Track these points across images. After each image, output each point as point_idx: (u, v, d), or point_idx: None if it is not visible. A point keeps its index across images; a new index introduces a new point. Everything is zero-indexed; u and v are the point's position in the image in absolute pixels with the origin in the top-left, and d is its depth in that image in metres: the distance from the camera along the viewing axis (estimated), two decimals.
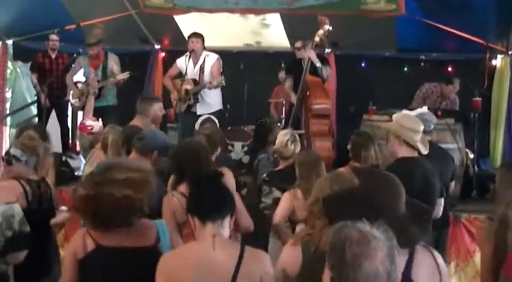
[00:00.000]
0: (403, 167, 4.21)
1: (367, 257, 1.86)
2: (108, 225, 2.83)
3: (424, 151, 4.38)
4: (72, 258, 2.86)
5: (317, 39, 7.30)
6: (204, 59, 7.51)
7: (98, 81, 7.91)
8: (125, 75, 7.73)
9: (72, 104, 8.31)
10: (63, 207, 4.45)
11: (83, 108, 8.13)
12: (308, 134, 7.14)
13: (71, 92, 8.13)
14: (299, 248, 2.67)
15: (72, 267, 2.86)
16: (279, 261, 2.73)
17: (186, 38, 7.76)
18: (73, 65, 8.27)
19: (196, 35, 7.60)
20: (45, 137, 4.97)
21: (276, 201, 4.66)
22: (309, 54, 7.29)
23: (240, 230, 3.87)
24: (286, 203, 4.45)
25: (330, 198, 2.61)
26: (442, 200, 4.56)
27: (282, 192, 4.67)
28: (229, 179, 3.74)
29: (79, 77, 8.38)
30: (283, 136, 5.26)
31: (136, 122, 5.55)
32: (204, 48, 7.61)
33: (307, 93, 7.29)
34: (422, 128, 4.43)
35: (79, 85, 8.08)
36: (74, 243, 2.91)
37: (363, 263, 1.85)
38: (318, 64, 7.34)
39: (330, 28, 7.24)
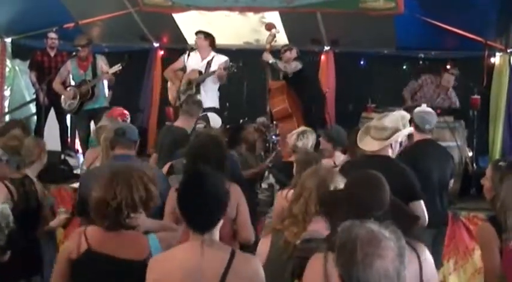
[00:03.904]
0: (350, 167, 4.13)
1: (379, 256, 1.86)
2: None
3: (366, 148, 4.19)
4: (65, 256, 2.87)
5: (267, 46, 7.73)
6: (213, 57, 7.62)
7: (89, 80, 7.88)
8: (117, 68, 7.71)
9: (65, 109, 8.22)
10: (62, 209, 4.43)
11: (76, 112, 8.08)
12: (281, 134, 7.49)
13: (62, 97, 8.04)
14: (269, 239, 2.93)
15: (64, 265, 2.87)
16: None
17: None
18: (60, 71, 8.15)
19: (200, 32, 7.77)
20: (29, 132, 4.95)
21: (271, 186, 4.97)
22: (264, 58, 7.68)
23: (240, 241, 3.83)
24: (278, 203, 4.44)
25: (326, 197, 2.68)
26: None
27: (275, 180, 4.90)
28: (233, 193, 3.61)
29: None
30: (295, 130, 5.54)
31: None
32: (214, 47, 7.74)
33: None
34: (387, 125, 4.16)
35: (69, 88, 8.04)
36: (70, 242, 2.92)
37: (374, 262, 1.86)
38: (270, 60, 7.65)
39: (277, 32, 7.76)
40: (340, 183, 2.88)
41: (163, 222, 3.42)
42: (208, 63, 7.56)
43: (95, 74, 7.93)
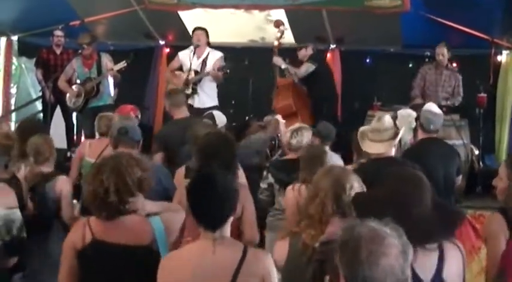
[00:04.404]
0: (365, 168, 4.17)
1: (383, 254, 1.84)
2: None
3: (371, 151, 4.23)
4: (71, 248, 2.88)
5: (276, 43, 7.78)
6: (208, 54, 7.55)
7: (94, 78, 7.86)
8: (122, 65, 7.68)
9: (70, 107, 8.23)
10: (74, 200, 4.51)
11: (80, 111, 8.08)
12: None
13: (67, 95, 8.05)
14: (287, 242, 2.86)
15: (70, 256, 2.88)
16: (273, 254, 2.85)
17: (191, 33, 7.77)
18: (65, 69, 8.14)
19: (200, 28, 7.69)
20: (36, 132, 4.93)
21: (270, 185, 4.96)
22: (275, 62, 7.74)
23: (244, 241, 3.82)
24: (289, 198, 4.42)
25: (360, 198, 2.66)
26: None
27: (274, 180, 4.91)
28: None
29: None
30: (290, 127, 5.47)
31: None
32: (209, 44, 7.64)
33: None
34: (387, 126, 4.22)
35: (74, 86, 8.03)
36: (74, 233, 2.93)
37: (379, 260, 1.84)
38: (283, 66, 7.73)
39: (285, 29, 7.84)
40: (354, 182, 2.83)
41: (165, 204, 3.39)
42: (204, 62, 7.53)
43: (99, 72, 7.92)
